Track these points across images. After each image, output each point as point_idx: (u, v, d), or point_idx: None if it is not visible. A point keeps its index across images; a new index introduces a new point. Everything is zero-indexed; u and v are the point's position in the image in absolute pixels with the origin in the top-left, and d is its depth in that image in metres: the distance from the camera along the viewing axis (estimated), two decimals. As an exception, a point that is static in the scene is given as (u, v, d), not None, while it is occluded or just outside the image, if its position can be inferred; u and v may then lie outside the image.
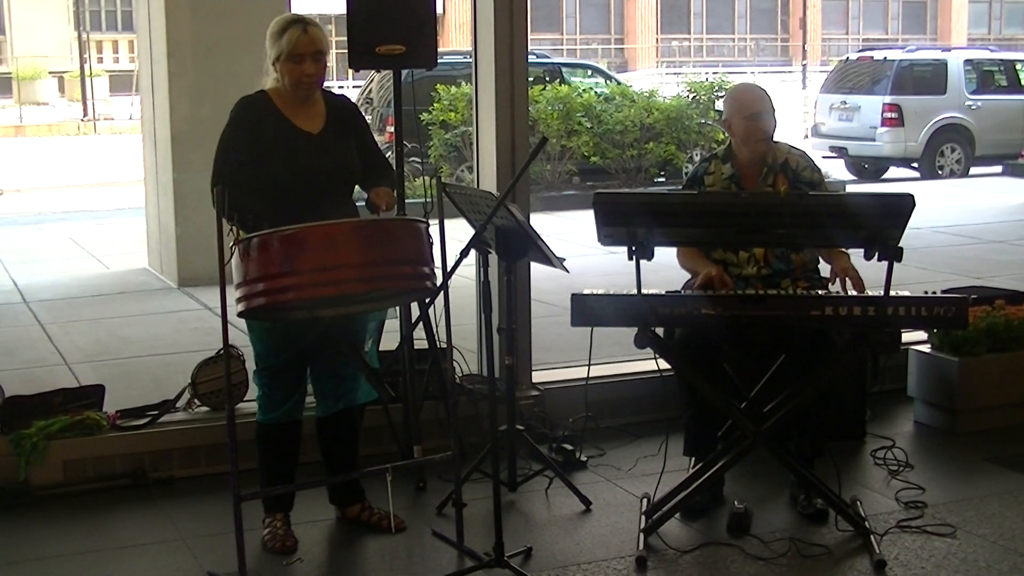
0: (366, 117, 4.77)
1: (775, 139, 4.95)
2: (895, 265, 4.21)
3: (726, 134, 5.02)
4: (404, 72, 5.28)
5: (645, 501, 4.73)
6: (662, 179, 15.70)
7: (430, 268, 4.00)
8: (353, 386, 4.53)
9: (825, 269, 4.92)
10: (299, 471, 4.70)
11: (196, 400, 5.38)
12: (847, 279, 4.53)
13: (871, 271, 4.52)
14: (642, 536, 4.45)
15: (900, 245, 4.17)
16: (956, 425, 5.68)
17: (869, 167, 18.53)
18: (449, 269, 4.19)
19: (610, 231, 4.28)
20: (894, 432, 5.64)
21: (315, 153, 4.30)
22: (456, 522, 4.40)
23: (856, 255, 4.51)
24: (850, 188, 15.70)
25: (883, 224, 4.14)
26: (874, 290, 4.44)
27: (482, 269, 4.41)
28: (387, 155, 4.86)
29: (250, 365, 4.69)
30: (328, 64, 4.30)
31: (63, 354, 7.20)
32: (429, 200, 5.13)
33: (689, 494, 4.60)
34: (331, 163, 4.32)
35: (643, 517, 4.58)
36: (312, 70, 4.26)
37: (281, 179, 4.23)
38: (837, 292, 4.53)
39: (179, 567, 4.36)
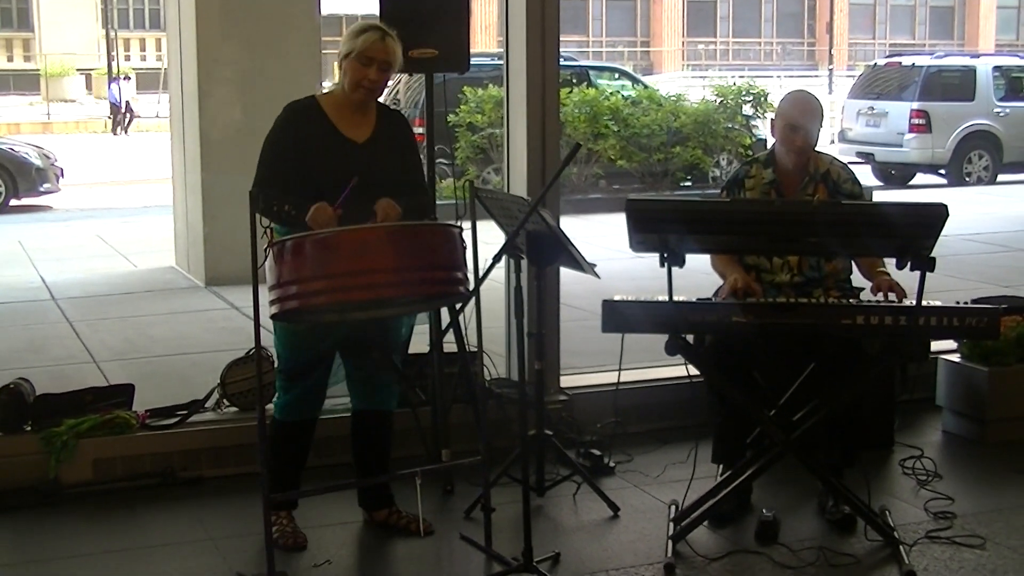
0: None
1: (818, 149, 4.94)
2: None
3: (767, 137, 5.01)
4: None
5: (673, 508, 4.72)
6: (688, 183, 15.67)
7: (463, 273, 3.99)
8: (388, 393, 4.55)
9: (857, 279, 4.91)
10: (328, 473, 4.71)
11: (225, 400, 5.40)
12: (891, 293, 4.50)
13: (901, 279, 4.50)
14: (670, 543, 4.44)
15: (932, 255, 4.15)
16: (986, 435, 5.64)
17: (896, 173, 18.45)
18: (481, 274, 4.18)
19: (642, 238, 4.27)
20: (922, 442, 5.61)
21: (359, 161, 4.27)
22: (484, 526, 4.40)
23: (888, 264, 4.49)
24: (877, 194, 15.61)
25: (916, 234, 4.12)
26: (905, 299, 4.42)
27: (514, 274, 4.40)
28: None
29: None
30: (391, 81, 4.33)
31: (92, 352, 7.23)
32: (459, 202, 5.12)
33: (717, 501, 4.59)
34: (374, 172, 4.27)
35: (671, 524, 4.58)
36: (375, 76, 4.26)
37: (323, 185, 4.20)
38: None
39: (207, 567, 4.37)
